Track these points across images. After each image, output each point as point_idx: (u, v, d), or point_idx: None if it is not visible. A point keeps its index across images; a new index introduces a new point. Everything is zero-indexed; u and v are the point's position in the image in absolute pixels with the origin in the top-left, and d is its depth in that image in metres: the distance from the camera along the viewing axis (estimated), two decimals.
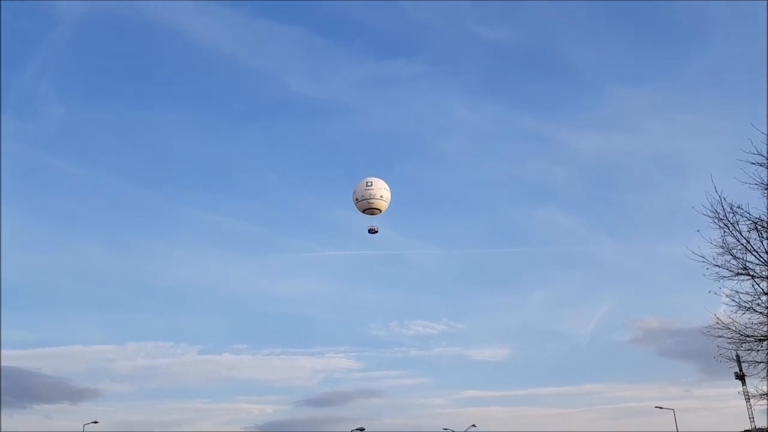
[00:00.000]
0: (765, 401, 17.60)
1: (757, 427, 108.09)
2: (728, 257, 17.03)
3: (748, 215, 16.55)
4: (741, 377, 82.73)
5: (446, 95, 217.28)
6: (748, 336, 17.33)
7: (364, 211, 52.48)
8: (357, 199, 52.69)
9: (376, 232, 52.17)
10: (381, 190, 52.84)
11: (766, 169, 15.82)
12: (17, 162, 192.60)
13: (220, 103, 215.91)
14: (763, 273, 16.68)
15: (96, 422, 62.11)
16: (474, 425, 72.98)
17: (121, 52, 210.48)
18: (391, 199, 53.12)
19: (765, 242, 16.39)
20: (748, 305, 16.87)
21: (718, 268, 17.07)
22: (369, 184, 53.30)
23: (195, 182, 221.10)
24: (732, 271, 17.05)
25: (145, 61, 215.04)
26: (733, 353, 18.08)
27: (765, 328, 17.09)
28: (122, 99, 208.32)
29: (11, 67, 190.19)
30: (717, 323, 17.40)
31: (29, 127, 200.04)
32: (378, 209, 52.52)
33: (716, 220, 16.96)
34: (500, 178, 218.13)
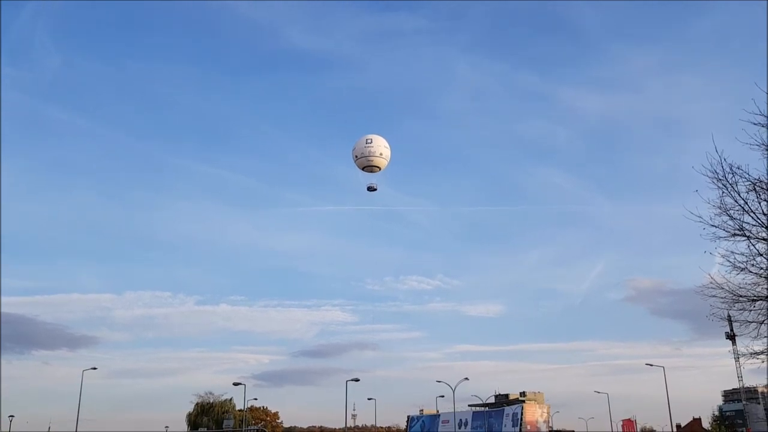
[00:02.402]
0: (754, 361, 17.96)
1: (746, 386, 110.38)
2: (725, 218, 17.12)
3: (747, 176, 16.60)
4: (731, 337, 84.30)
5: (448, 52, 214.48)
6: (741, 296, 17.61)
7: (363, 169, 52.24)
8: (356, 156, 52.32)
9: (375, 189, 51.94)
10: (380, 148, 52.36)
11: (766, 130, 15.80)
12: (14, 111, 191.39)
13: (220, 55, 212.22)
14: (760, 234, 16.86)
15: (95, 368, 62.97)
16: (466, 378, 74.23)
17: (118, 1, 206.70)
18: (391, 157, 53.34)
19: (763, 203, 16.52)
20: (742, 266, 17.10)
21: (714, 228, 17.18)
22: (369, 142, 52.46)
23: (194, 135, 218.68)
24: (728, 232, 17.19)
25: (144, 12, 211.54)
26: (725, 313, 18.39)
27: (759, 288, 17.34)
28: (120, 49, 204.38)
29: (5, 13, 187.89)
30: (711, 283, 17.66)
31: (25, 76, 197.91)
32: (377, 167, 52.20)
33: (715, 181, 17.00)
34: (501, 137, 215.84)
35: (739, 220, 16.49)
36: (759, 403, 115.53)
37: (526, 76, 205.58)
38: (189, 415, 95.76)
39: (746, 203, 16.17)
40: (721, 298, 17.44)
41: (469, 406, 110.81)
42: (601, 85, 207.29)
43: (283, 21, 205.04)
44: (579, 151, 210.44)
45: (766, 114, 15.32)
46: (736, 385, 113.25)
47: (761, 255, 16.51)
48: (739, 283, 16.88)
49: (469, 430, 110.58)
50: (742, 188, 16.29)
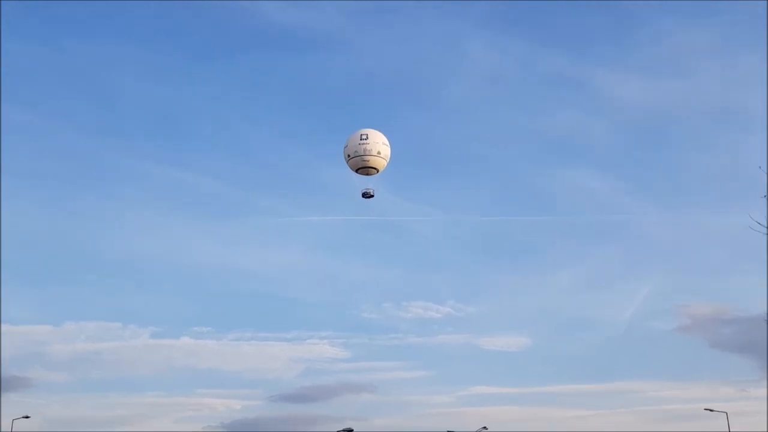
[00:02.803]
0: None
1: None
2: None
3: None
4: None
5: (459, 27, 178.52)
6: None
7: (357, 171, 44.80)
8: (349, 156, 44.87)
9: (372, 196, 44.60)
10: (378, 145, 44.95)
11: None
12: None
13: (180, 35, 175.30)
14: None
15: (27, 417, 53.29)
16: (485, 428, 62.51)
17: None
18: (391, 156, 45.33)
19: None
20: None
21: None
22: (364, 138, 44.75)
23: (150, 131, 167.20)
24: None
25: None
26: None
27: None
28: (58, 28, 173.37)
29: None
30: None
31: None
32: (374, 168, 44.95)
33: None
34: (522, 132, 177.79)
35: None
36: None
37: (554, 57, 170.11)
38: None
39: None
40: None
41: None
42: (644, 69, 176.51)
43: None
44: (617, 149, 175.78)
45: None
46: None
47: None
48: None
49: None
50: None
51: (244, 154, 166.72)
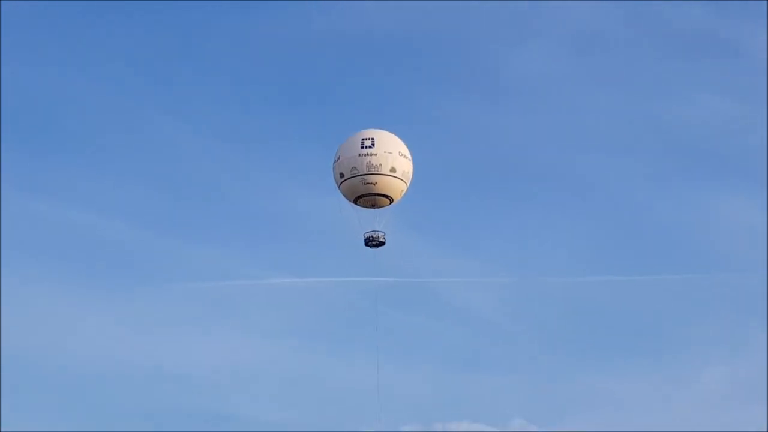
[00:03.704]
0: None
1: None
2: None
3: None
4: None
5: None
6: None
7: (356, 200, 34.38)
8: (342, 175, 34.12)
9: (382, 243, 34.58)
10: (392, 157, 33.87)
11: None
12: None
13: None
14: None
15: None
16: None
17: None
18: (413, 176, 34.93)
19: None
20: None
21: None
22: (367, 143, 33.86)
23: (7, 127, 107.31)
24: None
25: None
26: None
27: None
28: None
29: None
30: None
31: None
32: (385, 196, 34.10)
33: None
34: (637, 131, 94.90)
35: None
36: None
37: (685, 7, 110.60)
38: None
39: None
40: None
41: None
42: None
43: None
44: None
45: None
46: None
47: None
48: None
49: None
50: None
51: (164, 173, 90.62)
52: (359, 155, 32.61)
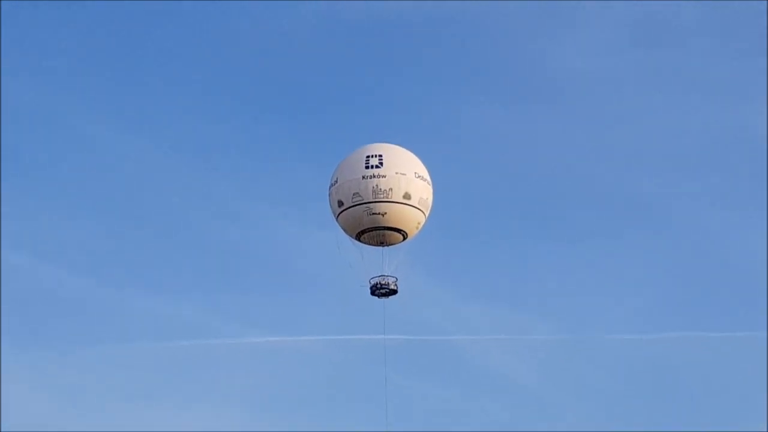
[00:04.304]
0: None
1: None
2: None
3: None
4: None
5: None
6: None
7: (359, 236, 28.66)
8: (340, 203, 28.55)
9: (394, 292, 28.80)
10: (406, 179, 28.26)
11: None
12: None
13: None
14: None
15: None
16: None
17: None
18: (433, 202, 29.46)
19: None
20: None
21: None
22: (374, 162, 28.45)
23: None
24: None
25: None
26: None
27: None
28: None
29: None
30: None
31: None
32: (398, 230, 28.48)
33: None
34: (712, 144, 55.85)
35: None
36: None
37: None
38: None
39: None
40: None
41: None
42: None
43: None
44: None
45: None
46: None
47: None
48: None
49: None
50: None
51: (108, 200, 72.49)
52: (363, 177, 27.35)
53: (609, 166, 70.11)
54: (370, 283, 28.33)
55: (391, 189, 27.06)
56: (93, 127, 68.20)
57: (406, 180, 27.34)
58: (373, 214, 27.14)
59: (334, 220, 28.14)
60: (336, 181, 27.95)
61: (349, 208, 27.39)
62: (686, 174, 68.27)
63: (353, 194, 27.31)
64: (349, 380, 53.91)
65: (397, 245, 28.38)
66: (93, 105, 70.58)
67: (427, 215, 28.34)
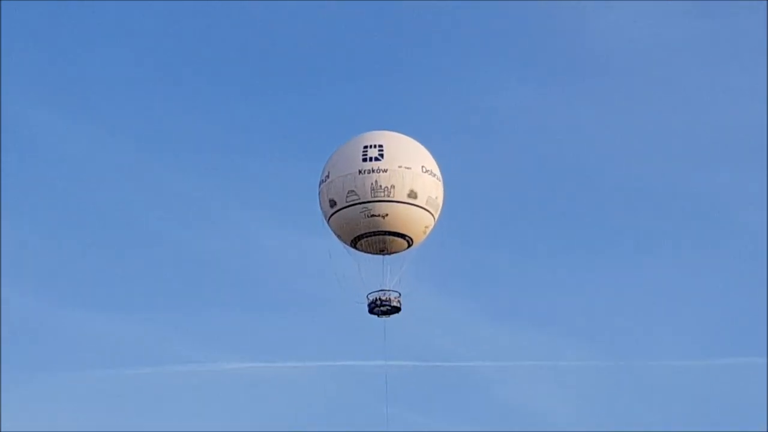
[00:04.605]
0: None
1: None
2: None
3: None
4: None
5: None
6: None
7: (355, 242, 25.12)
8: (333, 202, 24.97)
9: (396, 309, 24.94)
10: (411, 174, 24.72)
11: None
12: None
13: None
14: None
15: None
16: None
17: None
18: (444, 202, 25.72)
19: None
20: None
21: None
22: (373, 153, 24.85)
23: None
24: None
25: None
26: None
27: None
28: None
29: None
30: None
31: None
32: (402, 235, 24.94)
33: None
34: None
35: None
36: None
37: None
38: None
39: None
40: None
41: None
42: None
43: None
44: None
45: None
46: None
47: None
48: None
49: None
50: None
51: (60, 203, 61.48)
52: (360, 172, 24.08)
53: (658, 156, 55.96)
54: (368, 299, 25.10)
55: (393, 186, 24.05)
56: (31, 113, 56.86)
57: (412, 175, 24.30)
58: (372, 216, 24.08)
59: (325, 223, 25.10)
60: (327, 177, 24.85)
61: (343, 208, 24.41)
62: (752, 166, 53.07)
63: (348, 192, 24.30)
64: (342, 417, 44.45)
65: (400, 253, 25.37)
66: (31, 89, 58.27)
67: (436, 218, 25.36)
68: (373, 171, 23.96)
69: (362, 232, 24.32)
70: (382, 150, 24.36)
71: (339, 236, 24.92)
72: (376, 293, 25.01)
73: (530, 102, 57.21)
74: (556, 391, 46.07)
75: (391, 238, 24.55)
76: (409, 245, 24.97)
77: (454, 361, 43.47)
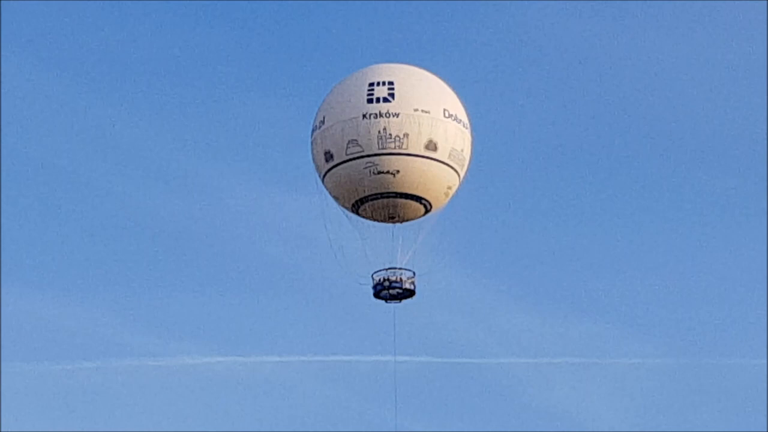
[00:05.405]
0: None
1: None
2: None
3: None
4: None
5: None
6: None
7: (357, 207, 21.18)
8: (329, 155, 20.89)
9: (409, 293, 21.06)
10: (430, 119, 20.33)
11: None
12: None
13: None
14: None
15: None
16: None
17: None
18: (472, 156, 21.56)
19: None
20: None
21: None
22: (381, 92, 20.42)
23: None
24: None
25: None
26: None
27: None
28: None
29: None
30: None
31: None
32: (418, 198, 20.92)
33: None
34: None
35: None
36: None
37: None
38: None
39: None
40: None
41: None
42: None
43: None
44: None
45: None
46: None
47: None
48: None
49: None
50: None
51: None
52: (365, 116, 19.60)
53: (743, 96, 46.45)
54: (373, 279, 21.00)
55: (406, 135, 19.73)
56: None
57: (431, 121, 19.89)
58: (380, 173, 19.88)
59: (319, 181, 20.84)
60: (322, 122, 20.48)
61: (343, 163, 20.11)
62: None
63: (349, 142, 19.94)
64: (343, 421, 37.44)
65: (415, 221, 21.14)
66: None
67: (462, 176, 20.97)
68: (381, 115, 19.82)
69: (367, 193, 20.35)
70: (392, 88, 20.16)
71: (336, 198, 20.94)
72: (384, 272, 21.02)
73: (579, 22, 45.97)
74: (608, 395, 38.41)
75: (404, 201, 20.57)
76: (427, 211, 21.12)
77: (479, 358, 37.21)
